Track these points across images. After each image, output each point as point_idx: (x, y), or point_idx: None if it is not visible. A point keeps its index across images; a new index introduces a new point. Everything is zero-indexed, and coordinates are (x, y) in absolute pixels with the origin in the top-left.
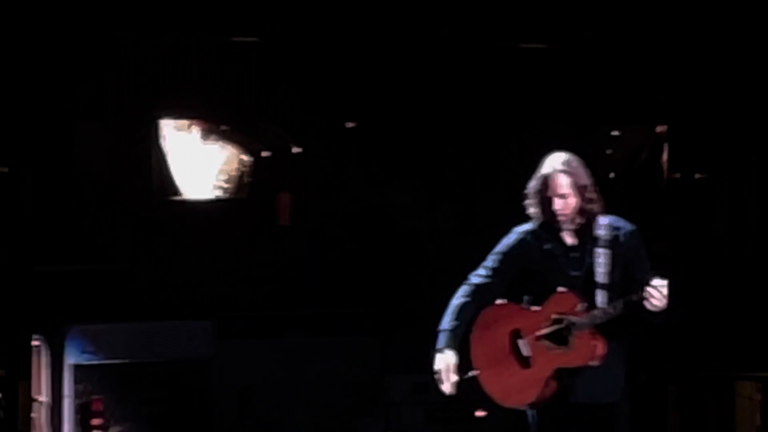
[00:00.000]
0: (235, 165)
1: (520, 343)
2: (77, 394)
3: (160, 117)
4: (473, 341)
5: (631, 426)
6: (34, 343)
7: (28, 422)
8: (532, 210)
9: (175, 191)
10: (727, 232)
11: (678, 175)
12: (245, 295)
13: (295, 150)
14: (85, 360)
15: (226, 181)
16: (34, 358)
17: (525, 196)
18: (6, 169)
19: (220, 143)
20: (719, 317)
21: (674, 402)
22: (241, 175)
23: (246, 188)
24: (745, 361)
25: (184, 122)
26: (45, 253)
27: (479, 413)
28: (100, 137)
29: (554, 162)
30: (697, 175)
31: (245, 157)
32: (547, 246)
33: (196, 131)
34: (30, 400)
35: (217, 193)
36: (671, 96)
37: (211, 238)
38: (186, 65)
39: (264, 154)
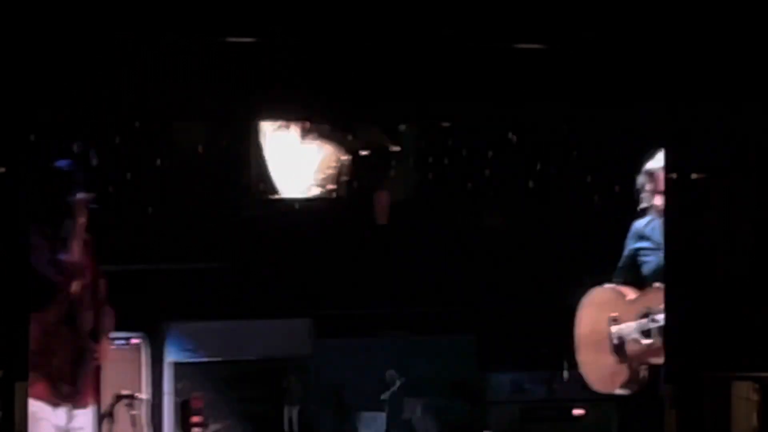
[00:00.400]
0: (333, 163)
1: (614, 329)
2: (177, 392)
3: (261, 117)
4: (579, 319)
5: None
6: (134, 341)
7: (25, 424)
8: (645, 204)
9: (274, 190)
10: (724, 232)
11: (674, 176)
12: (343, 294)
13: (393, 148)
14: (185, 358)
15: (324, 180)
16: (135, 356)
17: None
18: (4, 169)
19: (318, 142)
20: (716, 317)
21: (671, 402)
22: (338, 174)
23: (344, 187)
24: (742, 361)
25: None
26: (146, 252)
27: (577, 412)
28: (200, 137)
29: (658, 159)
30: (693, 175)
31: (343, 156)
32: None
33: (294, 130)
34: (27, 402)
35: (315, 192)
36: (668, 95)
37: (309, 236)
38: (284, 65)
39: (362, 152)
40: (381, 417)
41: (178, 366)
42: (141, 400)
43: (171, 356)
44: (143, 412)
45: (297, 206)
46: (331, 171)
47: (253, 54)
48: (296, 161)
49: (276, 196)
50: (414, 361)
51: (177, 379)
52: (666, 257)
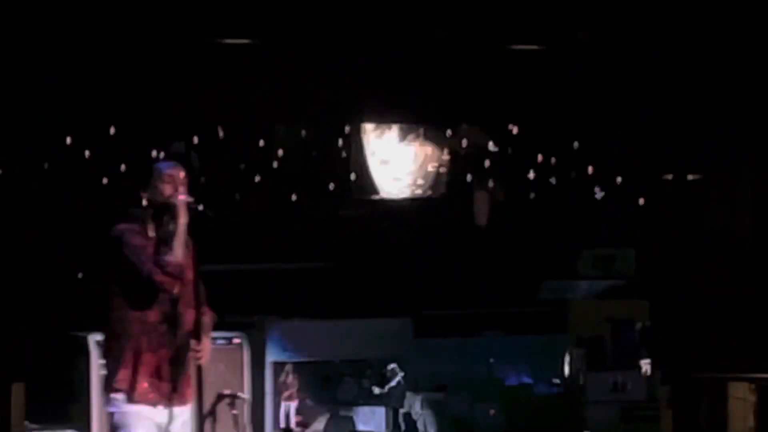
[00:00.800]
0: (433, 164)
1: None
2: (278, 391)
3: (362, 119)
4: None
5: None
6: (236, 340)
7: (21, 424)
8: None
9: (375, 190)
10: (720, 233)
11: (670, 176)
12: (442, 294)
13: (493, 149)
14: (285, 358)
15: (424, 180)
16: (236, 355)
17: None
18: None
19: (418, 142)
20: (712, 318)
21: (667, 403)
22: (438, 174)
23: (443, 187)
24: (739, 362)
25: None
26: (248, 252)
27: None
28: (302, 138)
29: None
30: (689, 176)
31: (443, 156)
32: None
33: (394, 131)
34: (24, 403)
35: (415, 192)
36: (663, 96)
37: (408, 236)
38: (383, 70)
39: (462, 153)
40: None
41: (278, 365)
42: (242, 399)
43: (272, 356)
44: (245, 412)
45: (397, 207)
46: (431, 171)
47: (356, 58)
48: (397, 161)
49: (376, 197)
50: (512, 360)
51: (278, 379)
52: (663, 258)
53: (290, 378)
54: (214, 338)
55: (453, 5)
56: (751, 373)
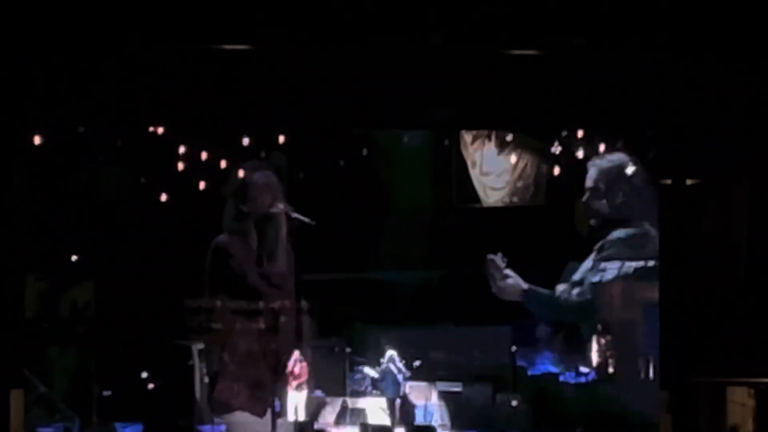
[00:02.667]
0: (532, 173)
1: None
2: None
3: (462, 127)
4: None
5: None
6: (337, 348)
7: (20, 430)
8: None
9: (474, 199)
10: (719, 237)
11: (669, 181)
12: None
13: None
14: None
15: (524, 189)
16: (337, 362)
17: None
18: None
19: (517, 152)
20: (711, 323)
21: (667, 408)
22: (538, 183)
23: (543, 196)
24: (737, 366)
25: (484, 131)
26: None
27: None
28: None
29: None
30: (688, 181)
31: (543, 165)
32: None
33: (494, 139)
34: (22, 409)
35: (515, 201)
36: (662, 101)
37: (508, 244)
38: (488, 74)
39: (562, 161)
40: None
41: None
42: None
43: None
44: (347, 417)
45: (497, 214)
46: (530, 180)
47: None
48: (497, 171)
49: (476, 205)
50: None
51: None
52: (661, 263)
53: (298, 367)
54: (315, 346)
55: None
56: (749, 378)
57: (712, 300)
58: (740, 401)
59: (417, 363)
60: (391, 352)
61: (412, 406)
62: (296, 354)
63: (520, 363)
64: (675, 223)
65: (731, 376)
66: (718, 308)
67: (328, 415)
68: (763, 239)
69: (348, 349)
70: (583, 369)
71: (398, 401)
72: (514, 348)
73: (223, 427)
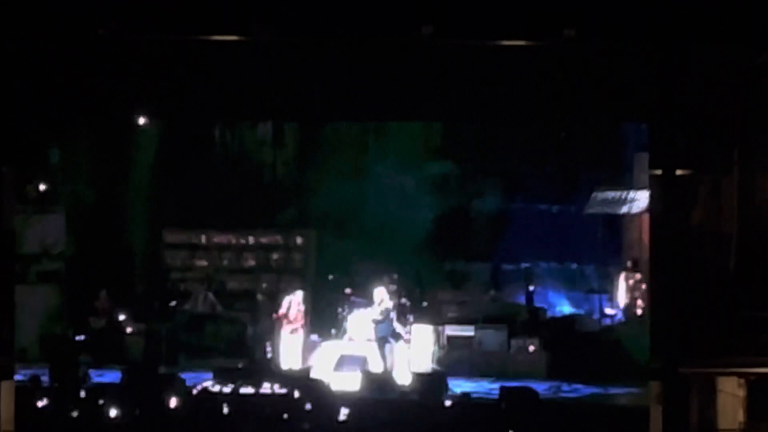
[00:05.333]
0: None
1: None
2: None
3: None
4: None
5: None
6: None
7: (11, 421)
8: None
9: None
10: (708, 228)
11: (659, 172)
12: None
13: None
14: None
15: None
16: None
17: None
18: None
19: None
20: (701, 313)
21: (657, 398)
22: None
23: None
24: (727, 357)
25: None
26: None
27: None
28: None
29: None
30: (678, 172)
31: None
32: None
33: None
34: (12, 402)
35: None
36: (652, 93)
37: None
38: (478, 66)
39: None
40: None
41: None
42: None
43: None
44: None
45: None
46: None
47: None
48: None
49: None
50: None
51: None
52: (652, 253)
53: (294, 309)
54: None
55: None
56: (739, 368)
57: (702, 291)
58: (730, 391)
59: (423, 304)
60: (391, 290)
61: (415, 351)
62: (291, 295)
63: (538, 303)
64: (665, 213)
65: (721, 367)
66: (708, 299)
67: (326, 362)
68: (753, 230)
69: (348, 290)
70: (609, 310)
71: (396, 344)
72: (531, 287)
73: (207, 375)
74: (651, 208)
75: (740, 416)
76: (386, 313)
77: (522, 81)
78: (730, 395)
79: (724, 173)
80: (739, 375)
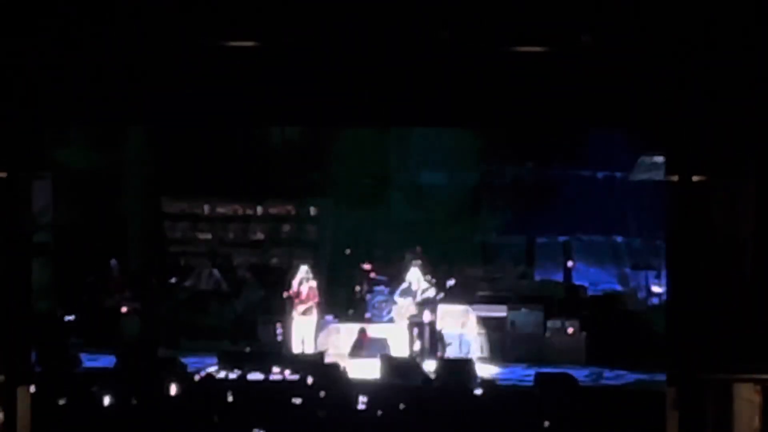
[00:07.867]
0: None
1: None
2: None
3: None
4: None
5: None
6: None
7: (28, 427)
8: None
9: None
10: (725, 234)
11: (676, 178)
12: None
13: None
14: None
15: None
16: None
17: None
18: (5, 174)
19: None
20: (718, 319)
21: (673, 404)
22: None
23: None
24: (744, 363)
25: None
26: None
27: None
28: None
29: None
30: (694, 177)
31: None
32: None
33: None
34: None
35: None
36: (669, 98)
37: None
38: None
39: None
40: None
41: None
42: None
43: None
44: None
45: None
46: None
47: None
48: None
49: None
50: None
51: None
52: (668, 259)
53: (306, 287)
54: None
55: None
56: (756, 374)
57: (719, 296)
58: (747, 397)
59: (450, 282)
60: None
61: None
62: (303, 271)
63: (577, 281)
64: (682, 220)
65: (738, 373)
66: (724, 305)
67: (342, 346)
68: None
69: (366, 266)
70: (656, 288)
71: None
72: (570, 263)
73: (211, 359)
74: (667, 214)
75: (756, 422)
76: (425, 292)
77: (538, 86)
78: (747, 401)
79: (741, 179)
80: (756, 381)
